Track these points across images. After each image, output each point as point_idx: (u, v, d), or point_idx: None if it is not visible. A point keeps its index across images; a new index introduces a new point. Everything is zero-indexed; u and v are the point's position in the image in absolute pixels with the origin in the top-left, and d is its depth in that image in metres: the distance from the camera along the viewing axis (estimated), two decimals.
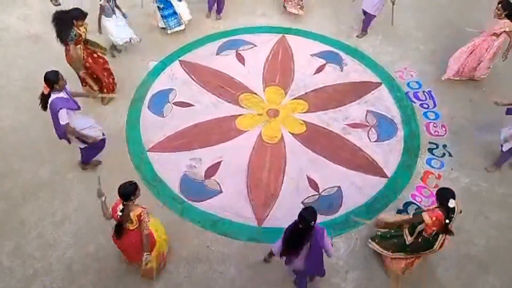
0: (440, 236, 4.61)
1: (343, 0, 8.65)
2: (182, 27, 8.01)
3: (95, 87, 6.60)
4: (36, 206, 5.75)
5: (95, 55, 6.53)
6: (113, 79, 6.86)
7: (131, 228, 4.45)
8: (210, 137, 6.55)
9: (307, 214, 4.11)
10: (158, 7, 7.74)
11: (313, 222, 4.11)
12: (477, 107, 7.04)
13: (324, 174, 6.15)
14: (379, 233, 5.20)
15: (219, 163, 6.26)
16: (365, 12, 7.82)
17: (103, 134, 5.80)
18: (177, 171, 6.16)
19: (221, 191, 5.96)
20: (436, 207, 4.51)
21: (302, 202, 5.84)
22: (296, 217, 4.21)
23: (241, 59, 7.71)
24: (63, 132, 5.33)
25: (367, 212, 5.75)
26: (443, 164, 6.37)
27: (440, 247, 4.68)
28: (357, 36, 8.15)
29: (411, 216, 4.85)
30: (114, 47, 7.60)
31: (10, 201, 5.78)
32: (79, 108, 5.36)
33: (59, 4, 8.58)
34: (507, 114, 5.84)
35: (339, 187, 6.02)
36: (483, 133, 6.66)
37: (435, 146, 6.58)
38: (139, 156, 6.33)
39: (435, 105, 7.12)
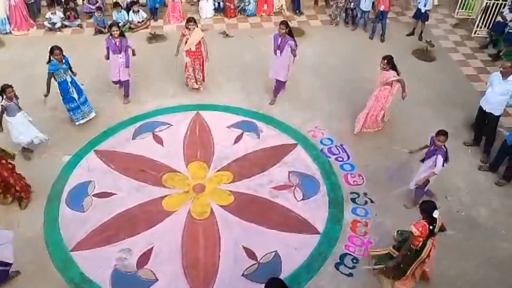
0: (427, 244, 5.06)
1: (248, 74, 9.19)
2: (91, 115, 7.92)
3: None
4: None
5: (3, 161, 6.13)
6: (25, 181, 6.46)
7: None
8: (138, 224, 6.31)
9: (275, 283, 4.31)
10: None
11: None
12: (385, 153, 7.63)
13: (260, 241, 6.14)
14: (377, 269, 5.64)
15: (150, 250, 6.00)
16: (277, 80, 8.36)
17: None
18: (107, 266, 5.78)
19: (156, 279, 5.66)
20: (420, 220, 5.04)
21: (243, 274, 5.73)
22: None
23: (158, 140, 7.71)
24: None
25: (307, 270, 5.78)
26: (368, 211, 6.70)
27: (427, 256, 5.15)
28: (270, 104, 8.61)
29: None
30: (24, 149, 7.22)
31: None
32: None
33: None
34: (422, 162, 6.41)
35: (275, 251, 6.02)
36: (394, 178, 7.14)
37: (356, 195, 6.94)
38: (62, 259, 5.86)
39: (349, 157, 7.60)
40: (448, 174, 7.21)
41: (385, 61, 7.33)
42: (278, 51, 7.99)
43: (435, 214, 4.98)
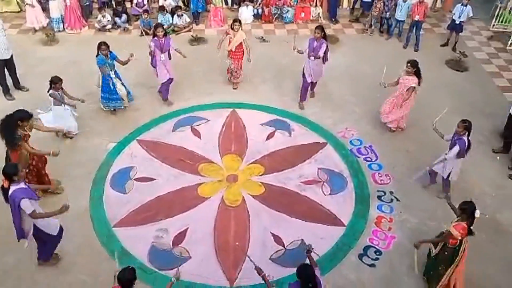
0: (463, 243, 5.22)
1: (281, 76, 9.61)
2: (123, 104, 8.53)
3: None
4: None
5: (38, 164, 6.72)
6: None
7: None
8: (174, 207, 6.79)
9: (307, 269, 4.44)
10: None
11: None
12: (413, 156, 7.86)
13: (287, 229, 6.50)
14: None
15: (185, 230, 6.45)
16: (312, 81, 8.79)
17: (60, 227, 5.80)
18: (145, 243, 6.27)
19: (190, 257, 6.11)
20: (457, 220, 5.20)
21: (270, 258, 6.10)
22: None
23: (196, 133, 8.22)
24: (22, 231, 5.34)
25: (331, 258, 6.09)
26: (392, 208, 6.95)
27: (464, 251, 5.28)
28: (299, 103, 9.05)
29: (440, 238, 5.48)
30: (65, 135, 7.89)
31: None
32: (38, 198, 5.43)
33: (13, 99, 8.88)
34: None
35: (302, 239, 6.35)
36: (421, 180, 7.35)
37: (383, 193, 7.20)
38: (105, 233, 6.40)
39: (377, 158, 7.88)
40: (475, 178, 7.42)
41: (409, 64, 7.61)
42: (312, 55, 8.40)
43: (477, 214, 5.10)
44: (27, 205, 5.09)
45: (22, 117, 6.18)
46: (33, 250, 5.86)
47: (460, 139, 6.37)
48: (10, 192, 5.12)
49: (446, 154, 6.50)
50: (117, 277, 4.37)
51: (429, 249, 5.70)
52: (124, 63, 8.23)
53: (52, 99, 7.49)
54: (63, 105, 7.62)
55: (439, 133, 6.85)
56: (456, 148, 6.31)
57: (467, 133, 6.41)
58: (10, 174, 5.09)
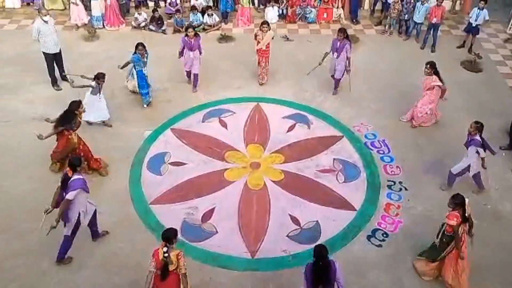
0: (460, 229, 5.77)
1: (303, 73, 10.30)
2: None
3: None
4: (54, 257, 6.48)
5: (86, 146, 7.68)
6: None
7: (171, 269, 5.19)
8: (203, 188, 7.62)
9: (322, 250, 5.01)
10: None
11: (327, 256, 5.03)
12: (423, 150, 8.49)
13: (303, 211, 7.25)
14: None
15: (213, 209, 7.28)
16: (334, 77, 9.61)
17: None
18: (177, 218, 7.10)
19: (216, 232, 6.93)
20: (450, 211, 5.77)
21: (287, 235, 6.87)
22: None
23: (224, 124, 9.04)
24: (67, 217, 6.00)
25: (342, 238, 6.83)
26: (401, 196, 7.61)
27: (461, 238, 5.83)
28: (333, 94, 9.86)
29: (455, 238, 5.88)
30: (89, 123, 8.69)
31: (31, 256, 6.52)
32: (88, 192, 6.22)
33: (60, 89, 9.87)
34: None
35: (317, 221, 7.10)
36: (429, 172, 8.01)
37: (393, 183, 7.86)
38: (143, 209, 7.28)
39: (389, 151, 8.53)
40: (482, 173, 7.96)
41: (428, 65, 8.22)
42: (335, 53, 9.15)
43: (466, 201, 5.75)
44: (74, 194, 5.81)
45: (77, 106, 7.19)
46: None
47: (473, 140, 7.00)
48: (72, 179, 5.90)
49: (472, 163, 7.12)
50: (163, 234, 5.20)
51: (434, 241, 6.24)
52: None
53: (91, 88, 8.38)
54: (98, 94, 8.47)
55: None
56: (472, 150, 7.00)
57: (479, 133, 7.01)
58: (75, 165, 5.97)
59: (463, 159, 7.33)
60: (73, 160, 6.09)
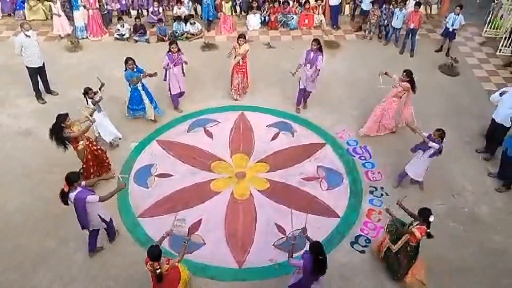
0: (420, 242, 6.19)
1: (286, 81, 10.48)
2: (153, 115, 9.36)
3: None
4: (46, 271, 6.58)
5: (96, 153, 7.76)
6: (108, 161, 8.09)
7: (165, 271, 5.42)
8: (190, 200, 7.77)
9: (319, 245, 5.61)
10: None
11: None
12: (403, 155, 8.73)
13: (288, 220, 7.40)
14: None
15: (200, 220, 7.44)
16: (305, 90, 9.53)
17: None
18: (166, 231, 7.21)
19: (204, 243, 7.09)
20: (419, 224, 6.04)
21: (274, 244, 7.07)
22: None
23: (209, 134, 9.19)
24: (88, 223, 6.35)
25: (327, 245, 7.00)
26: (383, 202, 7.87)
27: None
28: (296, 112, 9.83)
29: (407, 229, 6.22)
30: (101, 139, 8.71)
31: (21, 272, 6.61)
32: (94, 192, 6.40)
33: (45, 102, 9.89)
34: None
35: (302, 229, 7.27)
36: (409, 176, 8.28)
37: (374, 189, 8.12)
38: (130, 222, 7.41)
39: (370, 157, 8.79)
40: (458, 176, 8.30)
41: (405, 73, 8.46)
42: (308, 65, 9.10)
43: (431, 219, 5.97)
44: (93, 198, 6.10)
45: (62, 119, 7.12)
46: (69, 238, 6.92)
47: (435, 141, 7.27)
48: (73, 196, 6.01)
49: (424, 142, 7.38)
50: (147, 252, 5.38)
51: (388, 246, 6.53)
52: (150, 75, 8.91)
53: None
54: (101, 111, 8.37)
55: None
56: (436, 145, 7.22)
57: (441, 140, 7.29)
58: (72, 181, 6.02)
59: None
60: (69, 175, 6.06)
